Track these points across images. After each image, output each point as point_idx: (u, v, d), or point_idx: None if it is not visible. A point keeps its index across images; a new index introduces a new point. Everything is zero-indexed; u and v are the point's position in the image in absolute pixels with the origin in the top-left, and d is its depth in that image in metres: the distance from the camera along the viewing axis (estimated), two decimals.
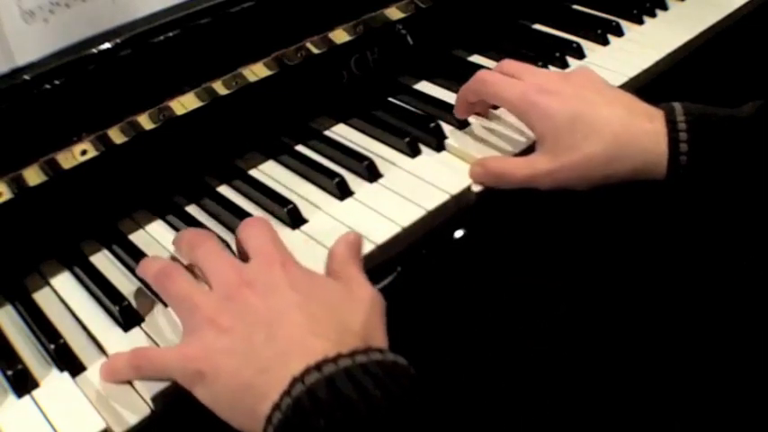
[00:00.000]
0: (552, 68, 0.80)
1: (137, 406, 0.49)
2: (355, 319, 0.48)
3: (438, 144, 0.70)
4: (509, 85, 0.65)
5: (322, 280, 0.51)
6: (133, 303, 0.55)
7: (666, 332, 0.85)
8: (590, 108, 0.62)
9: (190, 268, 0.54)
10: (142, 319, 0.55)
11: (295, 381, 0.42)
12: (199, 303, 0.49)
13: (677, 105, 0.61)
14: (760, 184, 0.58)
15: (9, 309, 0.57)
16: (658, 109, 0.61)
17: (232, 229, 0.62)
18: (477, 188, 0.65)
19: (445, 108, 0.74)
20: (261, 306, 0.47)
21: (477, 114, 0.73)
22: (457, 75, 0.80)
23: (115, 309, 0.54)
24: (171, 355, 0.48)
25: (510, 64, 0.68)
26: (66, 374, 0.51)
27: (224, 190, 0.67)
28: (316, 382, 0.42)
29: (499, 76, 0.67)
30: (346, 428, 0.41)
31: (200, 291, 0.50)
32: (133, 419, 0.48)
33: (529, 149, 0.68)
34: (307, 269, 0.51)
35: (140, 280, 0.58)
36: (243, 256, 0.53)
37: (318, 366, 0.42)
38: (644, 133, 0.60)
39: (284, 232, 0.61)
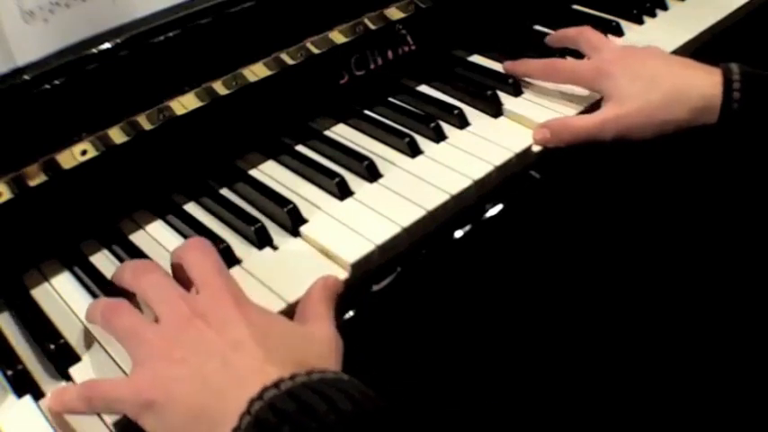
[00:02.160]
0: None
1: None
2: (311, 355, 0.47)
3: (438, 144, 0.70)
4: (581, 68, 0.74)
5: (277, 318, 0.50)
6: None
7: (668, 335, 0.85)
8: (650, 67, 0.70)
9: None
10: None
11: (253, 400, 0.42)
12: (147, 336, 0.47)
13: (733, 63, 0.69)
14: None
15: (9, 309, 0.57)
16: (715, 67, 0.69)
17: (233, 229, 0.62)
18: (537, 148, 0.69)
19: (445, 108, 0.74)
20: (215, 337, 0.46)
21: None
22: (457, 75, 0.80)
23: None
24: (121, 387, 0.46)
25: (585, 34, 0.77)
26: (65, 374, 0.51)
27: (224, 190, 0.67)
28: (275, 396, 0.41)
29: (568, 62, 0.76)
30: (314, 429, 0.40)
31: (147, 324, 0.48)
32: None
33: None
34: (260, 307, 0.50)
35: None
36: (178, 274, 0.52)
37: (276, 384, 0.42)
38: (701, 81, 0.68)
39: (284, 233, 0.62)
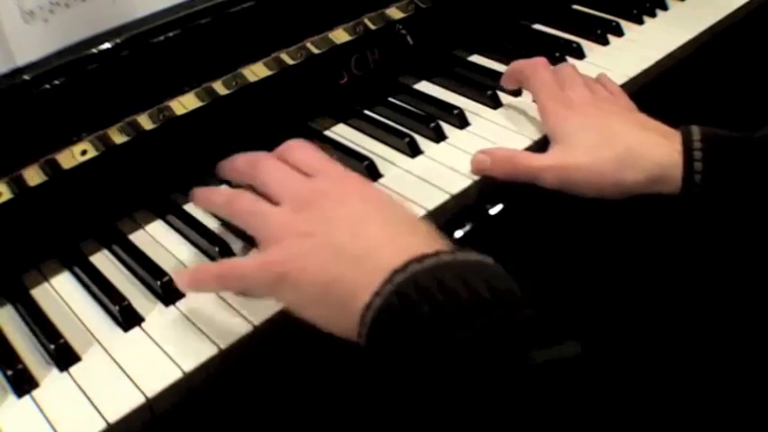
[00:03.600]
0: None
1: (132, 397, 0.49)
2: (433, 228, 0.49)
3: (438, 144, 0.70)
4: (546, 92, 0.69)
5: (389, 198, 0.53)
6: (133, 303, 0.55)
7: (669, 337, 0.85)
8: (606, 121, 0.64)
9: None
10: (142, 319, 0.55)
11: (396, 271, 0.43)
12: (271, 214, 0.50)
13: (694, 127, 0.62)
14: None
15: (9, 308, 0.57)
16: (675, 130, 0.63)
17: (234, 229, 0.62)
18: (473, 177, 0.65)
19: (445, 108, 0.74)
20: (339, 211, 0.49)
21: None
22: (457, 75, 0.80)
23: (115, 309, 0.54)
24: (252, 263, 0.49)
25: (565, 70, 0.71)
26: (66, 374, 0.51)
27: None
28: (419, 271, 0.43)
29: (547, 78, 0.70)
30: (450, 315, 0.41)
31: (270, 206, 0.51)
32: (127, 408, 0.48)
33: (530, 150, 0.69)
34: (373, 185, 0.54)
35: (141, 280, 0.58)
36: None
37: (419, 259, 0.43)
38: (657, 146, 0.61)
39: None
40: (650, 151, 0.61)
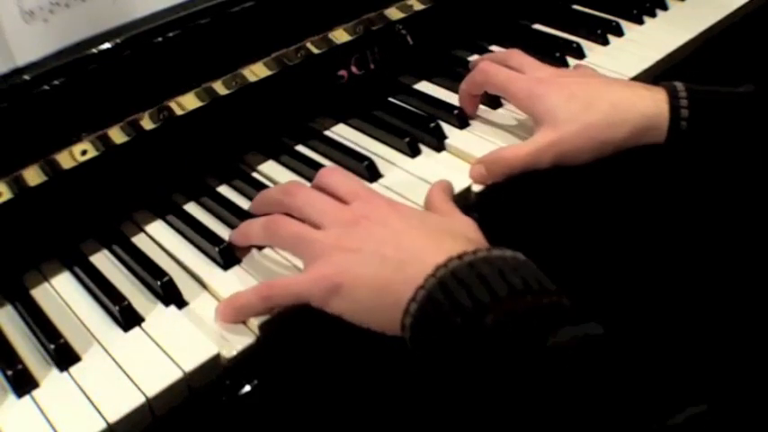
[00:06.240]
0: None
1: (132, 397, 0.49)
2: (471, 234, 0.53)
3: (438, 144, 0.70)
4: (512, 79, 0.68)
5: (426, 213, 0.56)
6: (133, 303, 0.55)
7: (666, 324, 0.85)
8: (587, 87, 0.65)
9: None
10: (142, 319, 0.55)
11: (439, 267, 0.46)
12: (317, 237, 0.52)
13: (677, 82, 0.64)
14: (757, 153, 0.62)
15: (9, 308, 0.57)
16: (659, 85, 0.65)
17: (234, 228, 0.62)
18: (477, 188, 0.65)
19: (445, 108, 0.74)
20: (381, 230, 0.51)
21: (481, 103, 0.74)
22: (457, 75, 0.80)
23: (115, 309, 0.54)
24: (302, 280, 0.51)
25: (515, 56, 0.71)
26: (66, 374, 0.51)
27: (224, 190, 0.67)
28: (457, 265, 0.46)
29: (502, 68, 0.69)
30: (485, 303, 0.44)
31: (313, 230, 0.53)
32: (127, 408, 0.48)
33: None
34: (408, 206, 0.56)
35: (141, 280, 0.58)
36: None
37: (460, 256, 0.46)
38: (641, 98, 0.63)
39: None
40: (635, 104, 0.63)
